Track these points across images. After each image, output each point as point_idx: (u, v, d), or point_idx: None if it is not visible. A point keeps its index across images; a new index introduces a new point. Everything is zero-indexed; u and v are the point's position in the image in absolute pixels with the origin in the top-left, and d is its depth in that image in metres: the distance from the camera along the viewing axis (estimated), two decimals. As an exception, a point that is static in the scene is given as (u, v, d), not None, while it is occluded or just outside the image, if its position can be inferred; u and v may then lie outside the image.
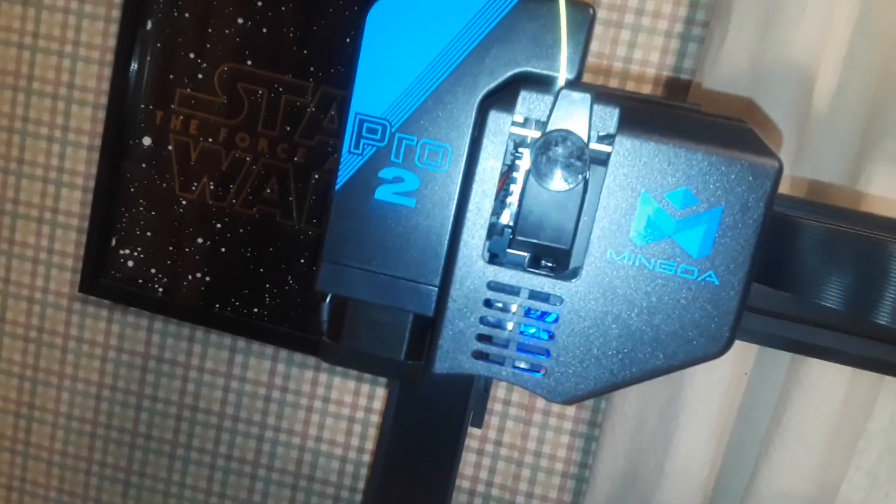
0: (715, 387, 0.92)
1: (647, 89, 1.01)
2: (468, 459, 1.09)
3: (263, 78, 1.08)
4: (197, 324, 1.13)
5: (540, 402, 1.07)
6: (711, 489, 0.97)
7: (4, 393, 1.18)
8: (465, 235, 0.36)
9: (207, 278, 1.12)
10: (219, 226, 1.11)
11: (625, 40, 1.01)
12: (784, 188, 0.88)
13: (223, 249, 1.11)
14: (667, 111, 0.36)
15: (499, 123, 0.35)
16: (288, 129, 1.08)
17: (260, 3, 1.06)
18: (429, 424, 0.48)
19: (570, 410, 1.07)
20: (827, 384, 0.88)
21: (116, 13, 1.09)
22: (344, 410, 1.12)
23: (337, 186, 0.41)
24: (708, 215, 0.33)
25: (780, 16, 0.85)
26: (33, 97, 1.12)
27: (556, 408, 1.07)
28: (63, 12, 1.11)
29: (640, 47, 1.01)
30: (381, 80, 0.40)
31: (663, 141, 0.33)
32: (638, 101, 0.36)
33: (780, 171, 0.32)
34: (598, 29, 1.01)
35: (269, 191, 1.09)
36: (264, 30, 1.07)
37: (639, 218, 0.34)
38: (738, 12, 0.87)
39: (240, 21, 1.07)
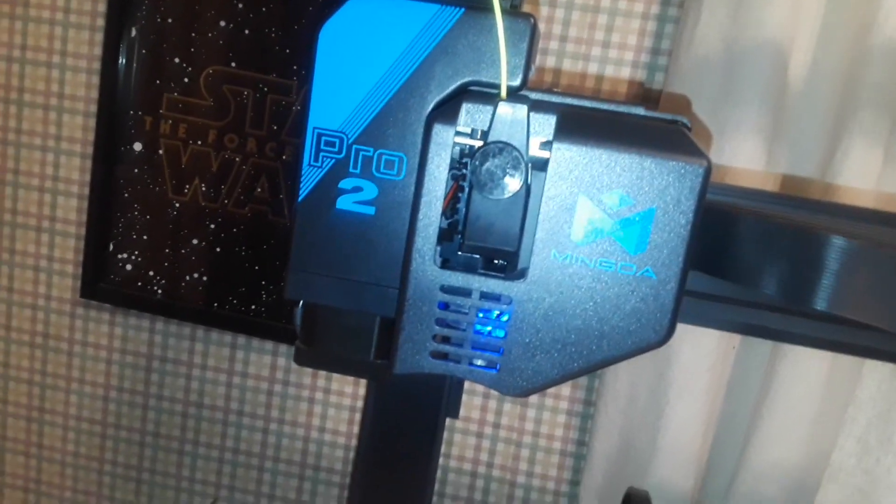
0: (703, 362, 0.94)
1: (625, 72, 1.02)
2: (468, 443, 1.12)
3: (248, 79, 1.09)
4: (197, 323, 1.16)
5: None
6: (705, 461, 1.00)
7: (15, 398, 1.22)
8: (417, 243, 0.38)
9: (205, 278, 1.15)
10: (213, 226, 1.13)
11: (602, 24, 1.02)
12: (762, 165, 0.89)
13: (218, 249, 1.13)
14: (603, 116, 0.37)
15: (442, 135, 0.37)
16: (275, 127, 1.10)
17: (241, 5, 1.08)
18: (406, 418, 0.51)
19: (566, 390, 1.09)
20: (812, 355, 0.90)
21: (101, 22, 1.11)
22: (345, 401, 1.14)
23: (299, 198, 0.43)
24: (642, 215, 0.35)
25: (750, -6, 0.86)
26: (25, 108, 1.15)
27: (552, 387, 1.09)
28: (49, 24, 1.12)
29: (617, 31, 1.02)
30: (337, 95, 0.42)
31: (597, 146, 0.35)
32: (577, 106, 0.38)
33: (708, 170, 0.34)
34: (575, 14, 1.02)
35: (259, 190, 1.11)
36: (246, 31, 1.08)
37: (578, 219, 0.36)
38: (709, -7, 0.88)
39: (222, 24, 1.08)
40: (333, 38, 0.42)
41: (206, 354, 1.16)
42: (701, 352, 0.93)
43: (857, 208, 0.43)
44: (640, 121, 0.37)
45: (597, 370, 0.38)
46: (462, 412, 1.12)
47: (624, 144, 0.35)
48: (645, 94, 1.02)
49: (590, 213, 0.35)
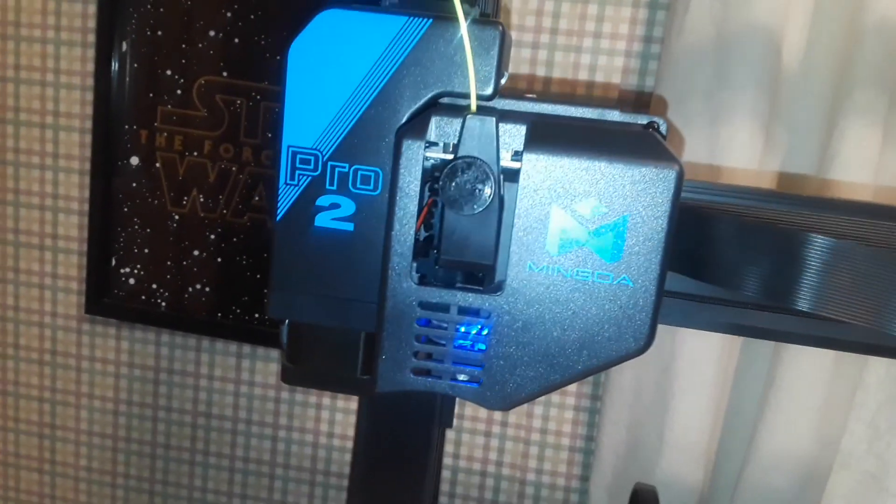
0: (707, 353, 0.93)
1: (618, 62, 1.01)
2: (476, 443, 1.12)
3: (240, 87, 1.09)
4: (202, 334, 1.16)
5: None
6: (714, 453, 0.99)
7: (26, 416, 1.23)
8: (393, 260, 0.37)
9: (207, 289, 1.15)
10: (213, 237, 1.13)
11: (592, 14, 1.01)
12: (759, 150, 0.88)
13: (220, 259, 1.14)
14: (574, 123, 0.37)
15: (412, 150, 0.37)
16: (269, 135, 1.10)
17: (229, 14, 1.08)
18: (399, 431, 0.50)
19: (572, 386, 1.08)
20: (817, 342, 0.89)
21: (92, 38, 1.11)
22: (351, 405, 1.14)
23: (277, 218, 0.43)
24: (616, 222, 0.34)
25: (739, -20, 0.85)
26: (21, 128, 1.15)
27: (557, 385, 1.09)
28: (41, 42, 1.13)
29: (608, 20, 1.01)
30: (309, 112, 0.42)
31: (568, 154, 0.34)
32: (548, 115, 0.37)
33: (680, 174, 0.33)
34: (565, 6, 1.01)
35: (257, 198, 1.11)
36: (236, 40, 1.08)
37: (552, 230, 0.35)
38: (697, -20, 0.87)
39: (211, 34, 1.08)
40: (303, 54, 0.41)
41: (213, 365, 1.17)
42: (705, 344, 0.93)
43: (843, 201, 0.43)
44: (611, 127, 0.37)
45: (580, 380, 0.37)
46: (469, 412, 1.12)
47: (594, 152, 0.34)
48: (638, 84, 1.01)
49: (564, 223, 0.35)
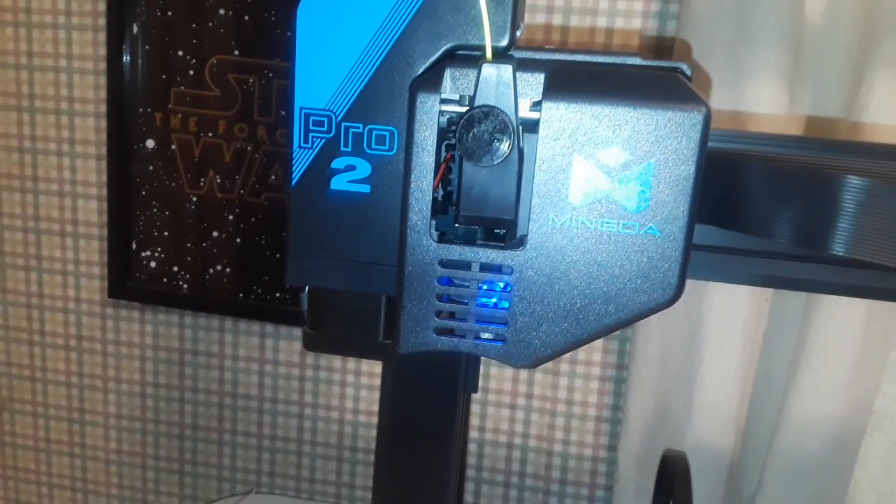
0: (736, 317, 0.91)
1: (636, 23, 0.99)
2: (502, 415, 1.11)
3: (252, 65, 1.08)
4: (225, 314, 1.16)
5: (566, 351, 1.08)
6: (744, 418, 0.98)
7: (55, 401, 1.24)
8: (411, 218, 0.36)
9: (228, 269, 1.15)
10: (231, 217, 1.13)
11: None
12: (784, 107, 0.86)
13: (238, 240, 1.13)
14: (594, 70, 0.35)
15: (427, 104, 0.36)
16: (283, 113, 1.09)
17: (238, -8, 1.06)
18: (423, 396, 0.50)
19: (597, 356, 1.07)
20: (848, 301, 0.87)
21: (103, 21, 1.10)
22: (375, 381, 1.14)
23: (292, 182, 0.42)
24: (641, 170, 0.33)
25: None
26: (37, 115, 1.15)
27: (582, 355, 1.08)
28: (52, 28, 1.12)
29: (623, -21, 0.98)
30: (320, 72, 0.41)
31: (588, 101, 0.33)
32: (567, 62, 0.36)
33: (707, 116, 0.32)
34: (581, -31, 0.99)
35: (273, 177, 1.11)
36: (246, 17, 1.07)
37: (575, 180, 0.34)
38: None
39: (221, 12, 1.07)
40: (311, 14, 0.40)
41: (237, 345, 1.17)
42: (733, 306, 0.91)
43: (874, 144, 0.41)
44: (634, 71, 0.35)
45: (607, 334, 0.36)
46: (493, 384, 1.11)
47: (616, 97, 0.33)
48: (657, 45, 0.99)
49: (586, 173, 0.34)
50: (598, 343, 1.07)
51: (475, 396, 1.12)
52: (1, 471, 1.29)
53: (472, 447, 1.13)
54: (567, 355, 1.08)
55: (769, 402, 0.97)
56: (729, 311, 0.91)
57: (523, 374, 1.10)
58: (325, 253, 0.42)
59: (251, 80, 1.08)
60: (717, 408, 0.94)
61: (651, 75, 0.34)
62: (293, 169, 0.42)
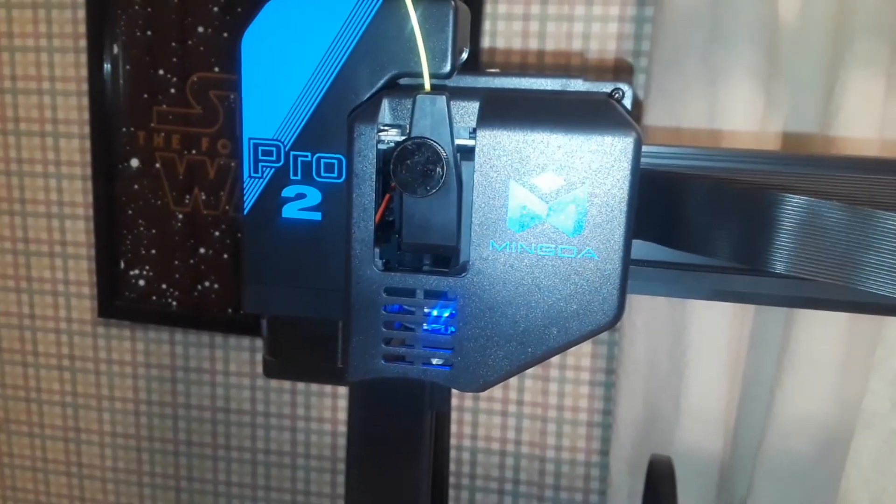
0: (719, 320, 0.91)
1: (612, 28, 0.99)
2: (494, 422, 1.11)
3: (233, 82, 1.08)
4: (215, 330, 1.17)
5: (555, 358, 1.08)
6: (733, 421, 0.97)
7: (50, 420, 1.25)
8: (355, 248, 0.37)
9: (216, 285, 1.15)
10: (217, 233, 1.13)
11: (582, -18, 0.99)
12: (760, 108, 0.86)
13: (225, 255, 1.14)
14: (529, 96, 0.36)
15: (365, 135, 0.36)
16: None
17: (216, 9, 1.07)
18: (390, 416, 0.50)
19: (586, 361, 1.07)
20: (830, 301, 0.87)
21: (84, 43, 1.11)
22: (366, 392, 1.14)
23: (245, 211, 0.42)
24: (575, 195, 0.33)
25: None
26: (22, 137, 1.16)
27: (571, 360, 1.08)
28: (34, 51, 1.13)
29: (599, -13, 0.98)
30: (267, 102, 0.41)
31: (521, 128, 0.33)
32: (503, 89, 0.36)
33: (637, 142, 0.32)
34: (555, -26, 0.99)
35: (258, 192, 1.11)
36: (225, 34, 1.08)
37: (512, 206, 0.34)
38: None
39: (200, 30, 1.08)
40: (256, 44, 0.41)
41: (227, 360, 1.17)
42: (718, 310, 0.91)
43: (824, 157, 0.41)
44: (568, 97, 0.35)
45: (553, 356, 0.36)
46: (484, 392, 1.11)
47: (548, 124, 0.33)
48: (634, 48, 0.99)
49: (523, 199, 0.34)
50: (587, 348, 1.07)
51: (466, 405, 1.12)
52: (0, 491, 1.29)
53: (464, 455, 1.13)
54: (555, 360, 1.09)
55: (757, 405, 0.97)
56: (713, 315, 0.91)
57: (514, 380, 1.10)
58: (280, 280, 0.43)
59: (232, 97, 1.09)
60: (705, 411, 0.94)
61: (584, 101, 0.34)
62: (245, 198, 0.42)
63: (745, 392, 0.98)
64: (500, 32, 1.01)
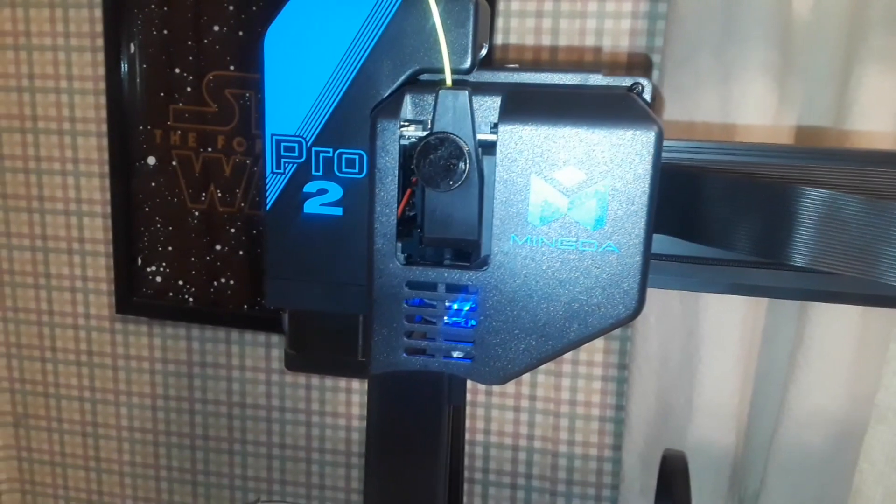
0: (732, 315, 0.91)
1: (625, 24, 0.99)
2: (506, 417, 1.12)
3: (248, 80, 1.10)
4: (231, 326, 1.18)
5: (567, 353, 1.08)
6: (746, 416, 0.98)
7: (69, 416, 1.26)
8: (377, 242, 0.37)
9: (232, 281, 1.16)
10: (232, 230, 1.14)
11: (596, -22, 0.99)
12: (774, 103, 0.86)
13: (241, 252, 1.15)
14: (550, 91, 0.36)
15: (388, 130, 0.36)
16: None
17: (232, 8, 1.08)
18: (408, 410, 0.50)
19: (598, 356, 1.08)
20: (844, 296, 0.87)
21: (100, 42, 1.12)
22: (381, 387, 1.15)
23: (267, 207, 0.43)
24: (597, 189, 0.34)
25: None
26: (41, 136, 1.17)
27: (583, 355, 1.08)
28: (52, 50, 1.14)
29: (612, -17, 0.99)
30: (289, 99, 0.42)
31: (543, 123, 0.34)
32: (525, 84, 0.37)
33: (659, 135, 0.33)
34: (569, -29, 0.99)
35: (273, 189, 1.12)
36: (240, 33, 1.08)
37: (533, 201, 0.35)
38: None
39: (216, 28, 1.09)
40: (278, 42, 0.41)
41: (243, 355, 1.19)
42: (730, 304, 0.91)
43: (840, 150, 0.41)
44: (588, 92, 0.36)
45: (573, 349, 0.37)
46: (497, 387, 1.12)
47: (570, 119, 0.33)
48: (647, 45, 0.99)
49: (544, 193, 0.35)
50: (599, 343, 1.07)
51: (479, 400, 1.13)
52: (19, 485, 1.31)
53: (478, 450, 1.14)
54: (568, 355, 1.09)
55: (770, 399, 0.97)
56: (726, 310, 0.91)
57: (526, 375, 1.11)
58: (302, 275, 0.43)
59: (248, 95, 1.10)
60: (718, 406, 0.94)
61: (605, 95, 0.35)
62: (267, 194, 0.43)
63: (758, 387, 0.98)
64: (512, 29, 1.01)
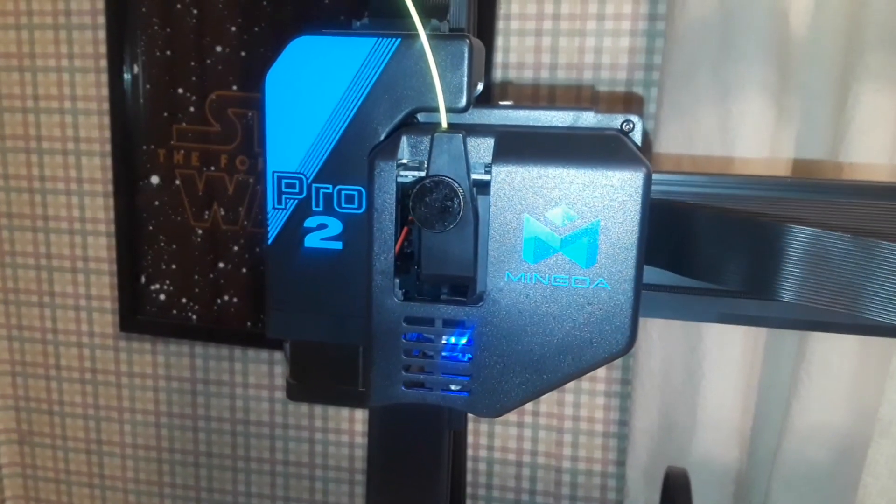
0: (734, 331, 0.92)
1: (624, 42, 1.00)
2: (510, 433, 1.12)
3: (250, 100, 1.11)
4: (234, 344, 1.18)
5: (569, 368, 1.09)
6: (749, 430, 0.98)
7: (73, 433, 1.27)
8: (376, 279, 0.38)
9: (236, 299, 1.17)
10: (236, 248, 1.15)
11: (594, -4, 1.00)
12: (772, 122, 0.86)
13: (244, 270, 1.16)
14: (541, 132, 0.37)
15: (385, 171, 0.37)
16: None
17: (234, 29, 1.09)
18: (409, 437, 0.51)
19: (601, 372, 1.08)
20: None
21: (104, 63, 1.13)
22: (384, 404, 1.16)
23: (269, 241, 0.44)
24: (588, 228, 0.34)
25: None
26: (45, 155, 1.18)
27: (586, 371, 1.09)
28: (56, 71, 1.16)
29: (610, 0, 0.99)
30: (290, 137, 0.42)
31: (534, 163, 0.34)
32: (516, 126, 0.38)
33: (647, 176, 0.33)
34: (566, -11, 1.00)
35: (275, 207, 1.13)
36: (242, 53, 1.10)
37: (526, 239, 0.35)
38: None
39: (218, 49, 1.10)
40: (279, 82, 0.42)
41: (247, 373, 1.19)
42: (730, 320, 0.92)
43: (830, 182, 0.42)
44: (579, 133, 0.37)
45: (568, 382, 0.38)
46: (500, 403, 1.12)
47: (560, 160, 0.34)
48: (647, 62, 1.00)
49: (537, 232, 0.35)
50: (601, 359, 1.08)
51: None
52: (24, 502, 1.32)
53: (481, 466, 1.14)
54: (571, 372, 1.09)
55: (773, 414, 0.97)
56: (728, 327, 0.92)
57: (529, 391, 1.11)
58: (303, 307, 0.44)
59: (250, 114, 1.11)
60: (721, 421, 0.94)
61: (595, 136, 0.36)
62: (269, 229, 0.44)
63: (761, 402, 0.98)
64: (512, 48, 1.02)
